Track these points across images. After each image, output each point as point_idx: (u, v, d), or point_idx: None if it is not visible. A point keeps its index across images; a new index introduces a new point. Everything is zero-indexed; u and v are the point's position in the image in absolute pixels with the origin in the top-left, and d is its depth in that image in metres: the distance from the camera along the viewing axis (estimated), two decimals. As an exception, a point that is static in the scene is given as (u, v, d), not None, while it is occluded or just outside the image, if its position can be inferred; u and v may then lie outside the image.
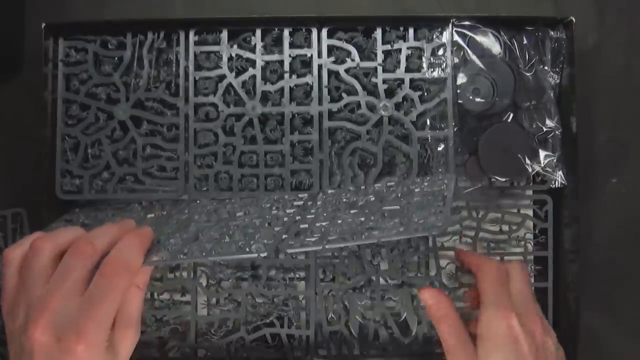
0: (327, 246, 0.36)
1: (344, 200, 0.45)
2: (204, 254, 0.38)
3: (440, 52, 0.50)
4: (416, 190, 0.43)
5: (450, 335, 0.41)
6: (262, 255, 0.37)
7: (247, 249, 0.38)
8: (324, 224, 0.40)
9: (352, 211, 0.42)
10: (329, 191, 0.48)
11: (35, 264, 0.36)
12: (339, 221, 0.40)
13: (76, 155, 0.50)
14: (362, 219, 0.40)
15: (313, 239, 0.38)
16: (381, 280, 0.50)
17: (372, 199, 0.44)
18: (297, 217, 0.42)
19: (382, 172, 0.50)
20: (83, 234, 0.38)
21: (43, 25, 0.50)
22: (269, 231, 0.40)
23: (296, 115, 0.50)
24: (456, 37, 0.49)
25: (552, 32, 0.50)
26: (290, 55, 0.50)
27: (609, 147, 0.53)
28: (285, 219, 0.42)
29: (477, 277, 0.42)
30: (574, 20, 0.49)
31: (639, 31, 0.53)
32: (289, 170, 0.50)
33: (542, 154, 0.49)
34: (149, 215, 0.48)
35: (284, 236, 0.39)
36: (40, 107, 0.50)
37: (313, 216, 0.42)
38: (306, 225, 0.41)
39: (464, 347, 0.40)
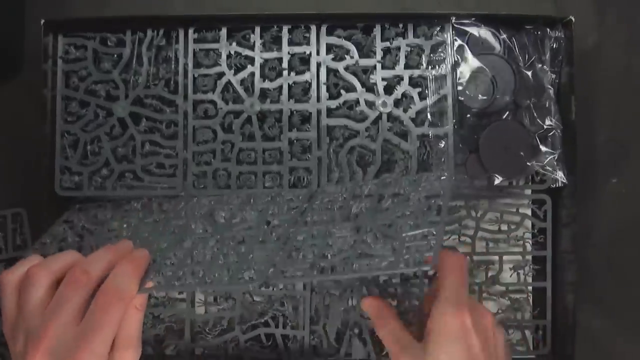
0: (316, 279, 0.37)
1: (340, 203, 0.45)
2: (197, 280, 0.39)
3: (440, 49, 0.50)
4: (412, 195, 0.43)
5: (392, 342, 0.41)
6: (254, 285, 0.38)
7: (239, 277, 0.38)
8: (316, 242, 0.40)
9: (345, 224, 0.42)
10: (326, 189, 0.48)
11: (32, 293, 0.36)
12: (331, 241, 0.40)
13: (75, 152, 0.50)
14: (354, 239, 0.40)
15: (303, 268, 0.38)
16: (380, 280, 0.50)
17: (368, 205, 0.44)
18: (291, 230, 0.42)
19: (381, 169, 0.50)
20: (79, 260, 0.38)
21: (42, 21, 0.50)
22: (262, 252, 0.41)
23: (295, 112, 0.50)
24: (456, 35, 0.50)
25: (551, 32, 0.50)
26: (289, 53, 0.50)
27: (608, 147, 0.53)
28: (280, 229, 0.43)
29: (438, 269, 0.41)
30: (573, 19, 0.49)
31: (639, 31, 0.53)
32: (287, 167, 0.50)
33: (543, 151, 0.49)
34: (146, 221, 0.48)
35: (277, 258, 0.39)
36: (40, 104, 0.50)
37: (307, 228, 0.42)
38: (299, 245, 0.41)
39: (408, 351, 0.40)
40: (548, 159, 0.49)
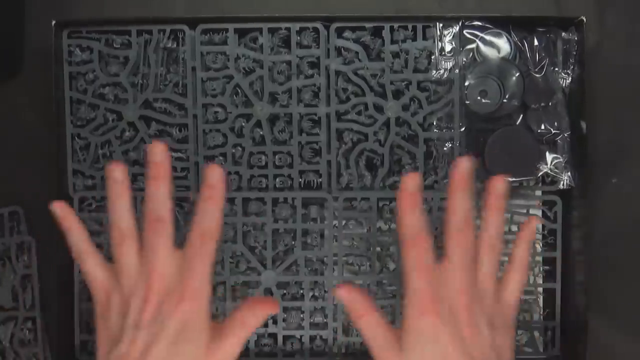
0: None
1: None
2: None
3: (449, 52, 0.53)
4: None
5: (371, 337, 0.42)
6: None
7: None
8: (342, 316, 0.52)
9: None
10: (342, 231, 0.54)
11: (125, 255, 0.44)
12: None
13: (87, 155, 0.54)
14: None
15: None
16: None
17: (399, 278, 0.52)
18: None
19: (389, 172, 0.54)
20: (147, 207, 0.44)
21: (53, 23, 0.53)
22: None
23: (304, 116, 0.53)
24: (465, 38, 0.53)
25: (564, 34, 0.53)
26: (297, 56, 0.53)
27: (609, 147, 0.56)
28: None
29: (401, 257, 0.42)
30: (584, 20, 0.52)
31: (639, 31, 0.56)
32: (297, 170, 0.53)
33: (549, 156, 0.53)
34: None
35: None
36: (49, 106, 0.54)
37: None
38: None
39: (389, 344, 0.41)
40: (555, 162, 0.52)
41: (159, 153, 0.44)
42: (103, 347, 0.43)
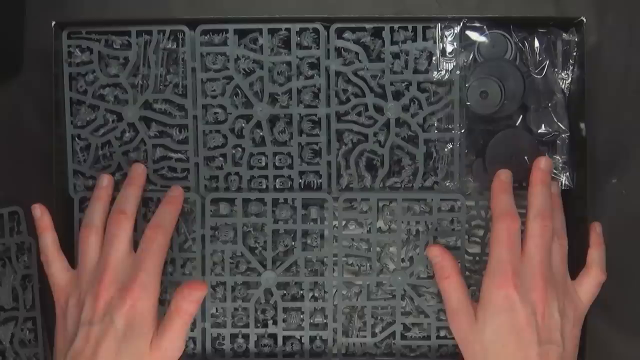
0: None
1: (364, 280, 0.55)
2: None
3: (449, 53, 0.53)
4: None
5: (451, 298, 0.47)
6: None
7: None
8: (342, 316, 0.55)
9: (372, 302, 0.54)
10: (343, 232, 0.55)
11: (88, 253, 0.50)
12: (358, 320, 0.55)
13: (87, 156, 0.55)
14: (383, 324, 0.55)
15: None
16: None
17: (399, 278, 0.54)
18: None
19: (389, 173, 0.55)
20: (115, 204, 0.51)
21: (53, 23, 0.54)
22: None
23: (304, 117, 0.54)
24: (466, 39, 0.53)
25: (564, 34, 0.53)
26: (297, 57, 0.54)
27: (609, 147, 0.57)
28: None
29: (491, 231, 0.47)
30: (584, 20, 0.52)
31: (639, 31, 0.57)
32: (297, 171, 0.54)
33: (550, 156, 0.53)
34: None
35: None
36: (49, 107, 0.54)
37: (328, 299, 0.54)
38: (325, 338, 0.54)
39: (465, 309, 0.46)
40: (555, 162, 0.53)
41: (138, 169, 0.53)
42: (60, 346, 0.47)
